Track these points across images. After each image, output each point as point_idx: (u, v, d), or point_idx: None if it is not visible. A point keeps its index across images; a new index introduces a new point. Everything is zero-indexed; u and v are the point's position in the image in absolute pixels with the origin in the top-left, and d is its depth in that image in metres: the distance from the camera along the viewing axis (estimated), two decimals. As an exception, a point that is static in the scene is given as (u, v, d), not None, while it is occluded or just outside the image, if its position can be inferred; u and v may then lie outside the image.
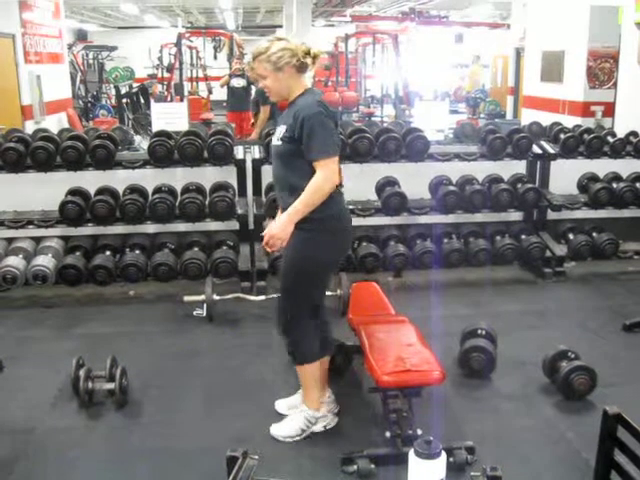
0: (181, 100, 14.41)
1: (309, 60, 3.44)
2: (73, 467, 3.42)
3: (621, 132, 6.77)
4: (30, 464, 3.45)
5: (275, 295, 5.03)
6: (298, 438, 3.57)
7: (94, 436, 3.68)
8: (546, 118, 8.23)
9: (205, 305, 5.16)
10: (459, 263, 5.98)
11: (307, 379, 3.60)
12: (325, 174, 3.28)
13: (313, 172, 3.30)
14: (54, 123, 10.79)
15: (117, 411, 3.90)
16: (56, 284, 5.61)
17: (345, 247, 3.71)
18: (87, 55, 19.68)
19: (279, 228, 3.36)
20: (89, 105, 16.48)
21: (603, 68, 9.94)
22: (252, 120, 10.84)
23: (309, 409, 3.60)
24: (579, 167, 6.62)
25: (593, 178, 6.55)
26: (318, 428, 3.62)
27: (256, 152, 6.04)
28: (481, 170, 6.40)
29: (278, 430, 3.60)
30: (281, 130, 3.42)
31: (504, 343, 4.44)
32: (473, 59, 19.79)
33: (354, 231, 3.76)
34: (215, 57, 19.35)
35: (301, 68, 3.43)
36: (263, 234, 3.48)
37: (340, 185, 3.46)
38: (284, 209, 3.43)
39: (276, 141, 3.46)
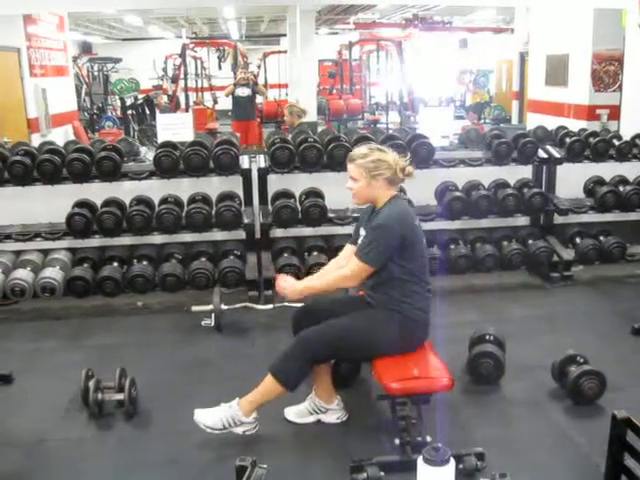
0: (186, 110, 14.45)
1: (402, 175, 3.57)
2: (84, 479, 3.43)
3: (627, 135, 6.76)
4: (41, 476, 3.46)
5: (284, 304, 5.07)
6: (216, 432, 3.58)
7: (104, 447, 3.69)
8: (551, 122, 8.21)
9: (213, 315, 5.16)
10: (466, 269, 5.97)
11: (263, 390, 3.58)
12: (350, 273, 3.55)
13: (397, 275, 3.50)
14: (60, 136, 10.81)
15: (127, 422, 3.91)
16: (64, 296, 5.63)
17: (406, 345, 3.62)
18: (92, 67, 19.75)
19: (293, 291, 3.67)
20: (95, 117, 16.54)
21: (608, 71, 9.94)
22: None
23: (240, 410, 3.59)
24: (585, 171, 6.60)
25: (599, 182, 6.54)
26: (238, 431, 3.62)
27: (261, 161, 6.05)
28: (487, 175, 6.39)
29: (202, 417, 3.61)
30: (363, 232, 3.66)
31: (512, 348, 4.43)
32: None
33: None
34: (219, 67, 19.42)
35: (393, 181, 3.56)
36: (281, 281, 3.73)
37: (427, 287, 3.65)
38: (367, 292, 3.70)
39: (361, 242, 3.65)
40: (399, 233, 3.44)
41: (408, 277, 3.52)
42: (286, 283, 3.70)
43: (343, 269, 3.64)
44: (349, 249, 3.86)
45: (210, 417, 3.61)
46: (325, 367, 3.77)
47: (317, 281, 3.79)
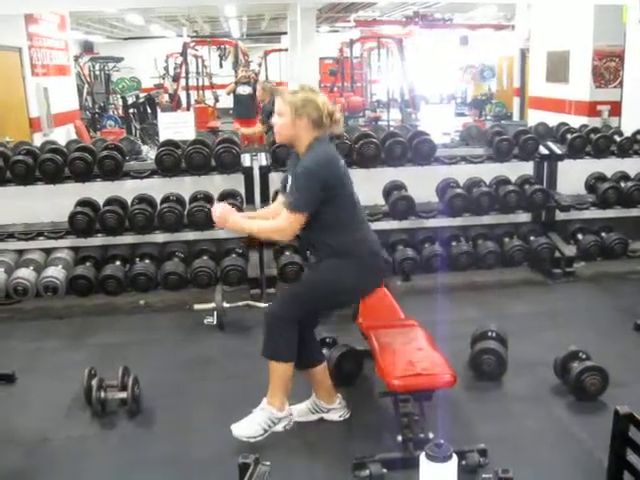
0: (187, 109, 14.45)
1: (328, 121, 3.47)
2: (87, 477, 3.44)
3: (628, 131, 6.77)
4: (44, 475, 3.47)
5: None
6: (260, 438, 3.54)
7: (107, 446, 3.70)
8: (553, 119, 8.21)
9: (215, 313, 5.17)
10: (468, 266, 5.97)
11: (275, 377, 3.57)
12: (282, 224, 3.44)
13: (323, 219, 3.44)
14: (62, 135, 10.82)
15: (130, 420, 3.92)
16: (67, 295, 5.64)
17: (372, 285, 3.68)
18: (93, 66, 19.75)
19: (227, 221, 3.55)
20: (96, 116, 16.53)
21: (608, 67, 9.93)
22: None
23: (272, 408, 3.58)
24: (586, 167, 6.60)
25: (601, 178, 6.53)
26: (278, 428, 3.61)
27: (263, 159, 6.06)
28: (488, 172, 6.39)
29: (240, 430, 3.56)
30: (290, 180, 3.54)
31: (515, 345, 4.44)
32: None
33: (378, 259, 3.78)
34: (221, 65, 19.40)
35: (318, 124, 3.46)
36: (215, 210, 3.62)
37: (364, 225, 3.62)
38: (300, 238, 3.66)
39: (290, 190, 3.56)
40: (324, 177, 3.36)
41: (341, 224, 3.46)
42: (220, 211, 3.58)
43: (276, 220, 3.51)
44: (279, 198, 3.83)
45: (248, 428, 3.56)
46: (320, 369, 3.75)
47: (252, 223, 3.67)
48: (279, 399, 3.59)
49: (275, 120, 3.52)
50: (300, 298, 3.58)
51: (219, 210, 3.59)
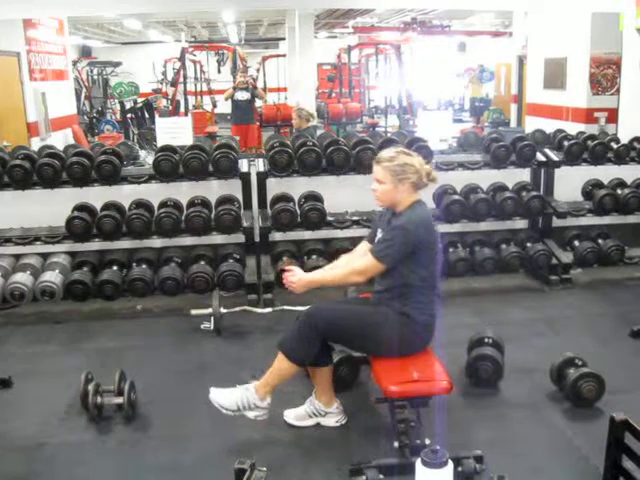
0: (185, 114, 14.46)
1: (426, 180, 3.59)
2: (83, 482, 3.44)
3: (625, 138, 6.79)
4: (40, 479, 3.46)
5: (284, 307, 5.10)
6: (230, 413, 3.60)
7: (103, 451, 3.69)
8: (550, 125, 8.23)
9: (212, 318, 5.17)
10: (465, 272, 5.98)
11: (275, 369, 3.60)
12: (364, 268, 3.55)
13: (409, 281, 3.51)
14: (60, 139, 10.83)
15: (126, 425, 3.91)
16: (64, 300, 5.63)
17: (408, 347, 3.62)
18: (91, 71, 19.78)
19: (302, 284, 3.64)
20: (94, 121, 16.54)
21: (605, 74, 9.94)
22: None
23: (256, 394, 3.60)
24: (583, 174, 6.63)
25: (598, 184, 6.55)
26: (250, 415, 3.63)
27: (260, 165, 6.07)
28: (485, 179, 6.41)
29: (216, 396, 3.64)
30: (380, 233, 3.67)
31: (511, 351, 4.44)
32: None
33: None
34: (219, 71, 19.43)
35: (418, 186, 3.57)
36: (290, 272, 3.70)
37: (434, 296, 3.65)
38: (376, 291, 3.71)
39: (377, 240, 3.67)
40: (418, 237, 3.45)
41: (420, 283, 3.53)
42: (294, 277, 3.66)
43: (356, 263, 3.64)
44: (364, 246, 3.87)
45: (225, 397, 3.62)
46: (327, 370, 3.78)
47: (325, 273, 3.83)
48: (266, 389, 3.62)
49: (375, 187, 3.61)
50: (344, 321, 3.60)
51: (295, 280, 3.64)
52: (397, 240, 3.46)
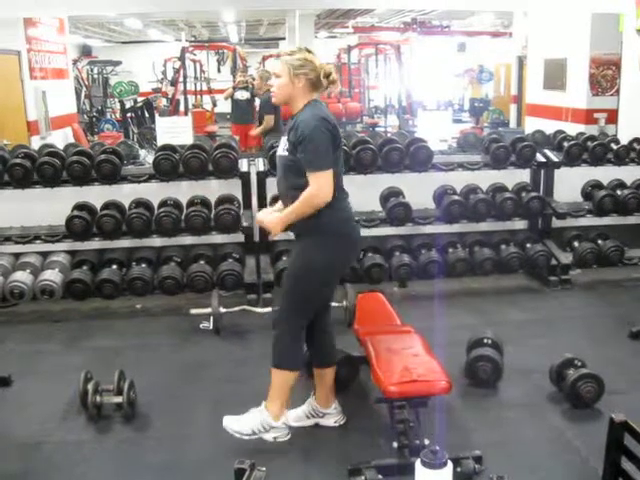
0: (185, 113, 14.46)
1: (325, 82, 3.49)
2: (82, 481, 3.44)
3: (625, 139, 6.78)
4: (39, 478, 3.46)
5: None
6: (247, 437, 3.57)
7: (102, 450, 3.69)
8: (549, 126, 8.24)
9: (212, 318, 5.18)
10: (464, 272, 5.99)
11: (276, 385, 3.59)
12: (315, 187, 3.34)
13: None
14: (60, 138, 10.82)
15: (125, 424, 3.91)
16: (63, 298, 5.63)
17: (348, 254, 3.67)
18: (92, 70, 19.76)
19: (270, 223, 3.53)
20: (94, 120, 16.53)
21: (605, 75, 9.96)
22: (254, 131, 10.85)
23: (268, 414, 3.59)
24: (583, 175, 6.63)
25: (597, 185, 6.55)
26: (268, 437, 3.61)
27: (260, 165, 6.07)
28: (485, 179, 6.41)
29: (231, 423, 3.61)
30: (284, 141, 3.50)
31: (510, 352, 4.45)
32: None
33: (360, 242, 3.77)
34: (219, 70, 19.43)
35: (315, 85, 3.48)
36: (262, 215, 3.69)
37: (343, 193, 3.52)
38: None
39: (281, 152, 3.54)
40: (327, 129, 3.34)
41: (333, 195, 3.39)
42: (268, 219, 3.55)
43: (304, 192, 3.37)
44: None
45: (239, 424, 3.60)
46: (330, 370, 3.77)
47: (291, 213, 3.46)
48: (277, 406, 3.60)
49: (273, 81, 3.54)
50: (292, 301, 3.56)
51: (271, 225, 3.54)
52: (314, 142, 3.31)
